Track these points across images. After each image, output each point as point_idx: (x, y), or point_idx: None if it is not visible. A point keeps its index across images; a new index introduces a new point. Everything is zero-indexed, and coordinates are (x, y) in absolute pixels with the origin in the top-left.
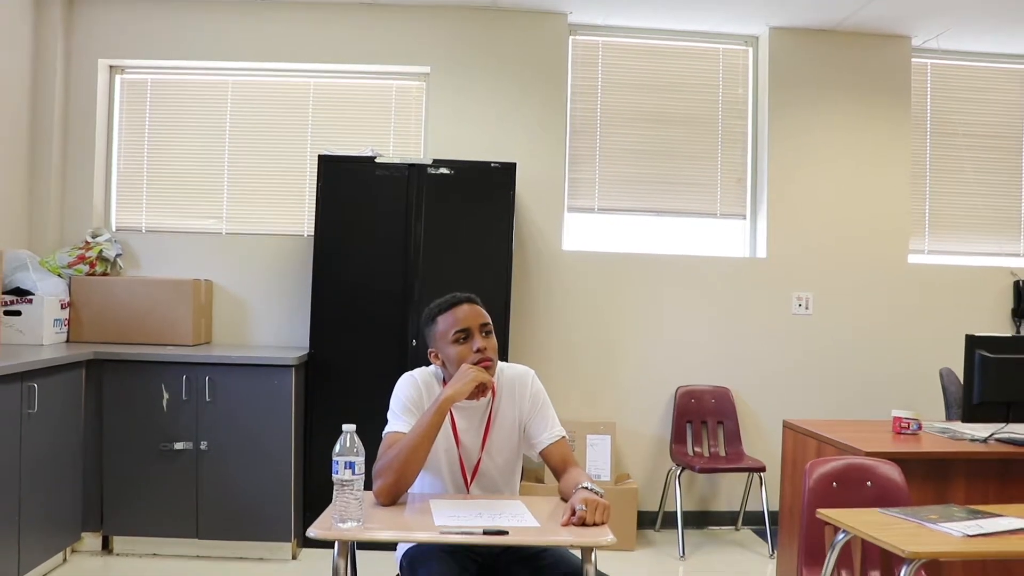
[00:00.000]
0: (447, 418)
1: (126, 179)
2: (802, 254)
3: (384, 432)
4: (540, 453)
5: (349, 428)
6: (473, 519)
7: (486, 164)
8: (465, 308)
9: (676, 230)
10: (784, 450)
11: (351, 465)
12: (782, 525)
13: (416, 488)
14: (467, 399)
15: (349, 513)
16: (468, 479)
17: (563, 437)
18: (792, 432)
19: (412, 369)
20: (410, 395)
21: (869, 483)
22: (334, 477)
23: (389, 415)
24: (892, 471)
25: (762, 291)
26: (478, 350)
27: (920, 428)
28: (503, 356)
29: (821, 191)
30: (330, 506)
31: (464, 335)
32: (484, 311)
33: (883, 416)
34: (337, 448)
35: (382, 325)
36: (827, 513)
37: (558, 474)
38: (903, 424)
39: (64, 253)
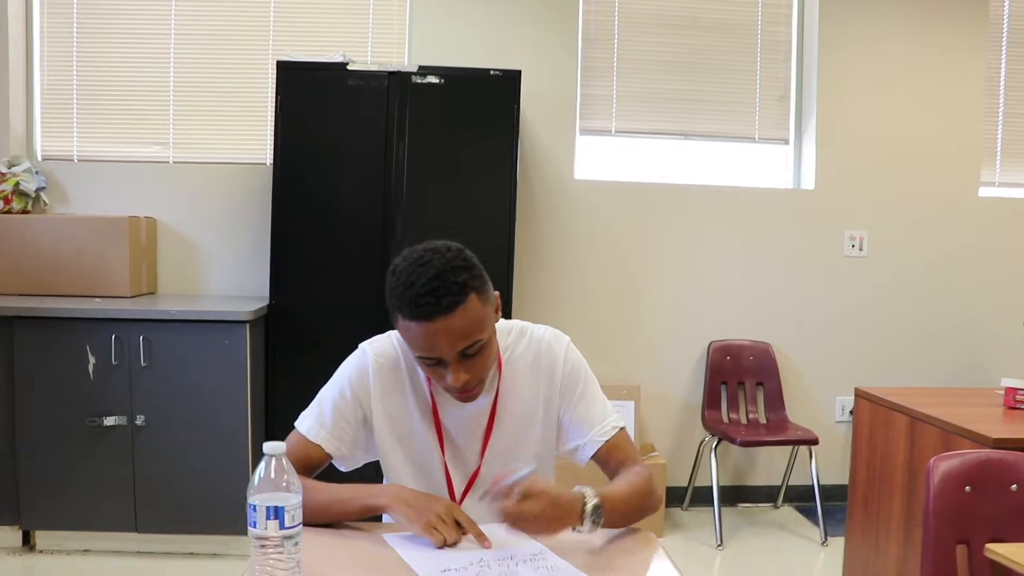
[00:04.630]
0: (429, 413)
1: (52, 99)
2: (855, 186)
3: (296, 423)
4: (592, 459)
5: (273, 450)
6: None
7: (484, 72)
8: (436, 327)
9: (707, 156)
10: (857, 424)
11: (277, 513)
12: (852, 514)
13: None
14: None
15: None
16: (458, 495)
17: (620, 430)
18: (868, 403)
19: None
20: (347, 388)
21: (1014, 486)
22: (250, 531)
23: (311, 407)
24: None
25: (808, 229)
26: (456, 384)
27: None
28: (506, 310)
29: (878, 112)
30: (247, 569)
31: (434, 361)
32: (472, 316)
33: (952, 377)
34: (255, 481)
35: (357, 270)
36: (1001, 551)
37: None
38: (1018, 397)
39: None
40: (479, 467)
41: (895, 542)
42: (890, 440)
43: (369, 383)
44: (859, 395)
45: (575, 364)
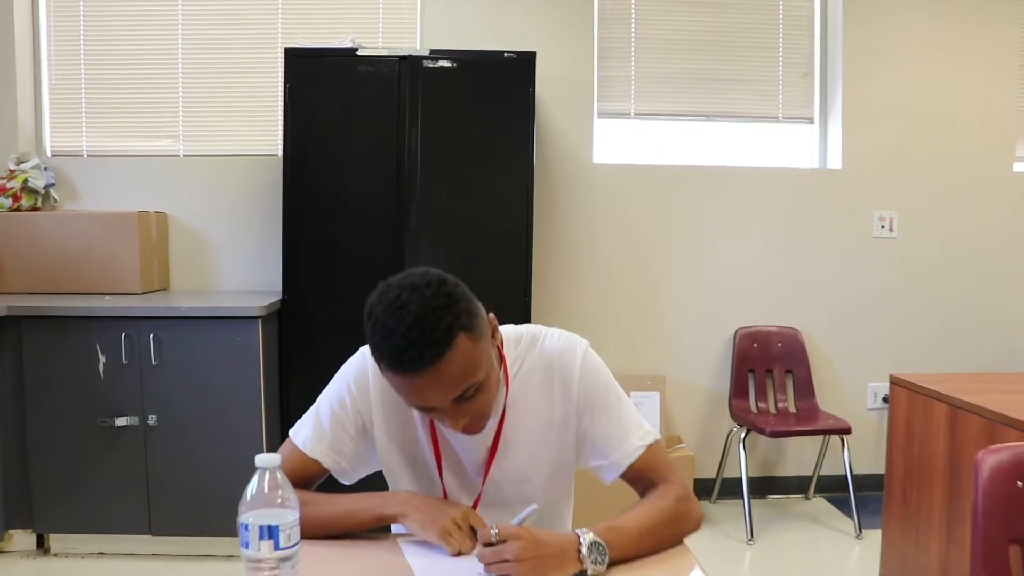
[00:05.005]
0: (426, 424)
1: (60, 94)
2: (884, 164)
3: (291, 432)
4: (621, 477)
5: (267, 463)
6: None
7: (498, 55)
8: (422, 381)
9: (729, 137)
10: (893, 413)
11: (271, 533)
12: (889, 507)
13: None
14: None
15: None
16: None
17: (649, 447)
18: (905, 391)
19: None
20: (346, 395)
21: None
22: (242, 552)
23: (307, 414)
24: None
25: (836, 209)
26: (455, 428)
27: None
28: (525, 301)
29: (907, 86)
30: None
31: (428, 408)
32: (462, 361)
33: (990, 362)
34: (246, 496)
35: (371, 261)
36: None
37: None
38: None
39: None
40: (481, 493)
41: (936, 538)
42: (929, 430)
43: (369, 390)
44: (894, 382)
45: (593, 374)
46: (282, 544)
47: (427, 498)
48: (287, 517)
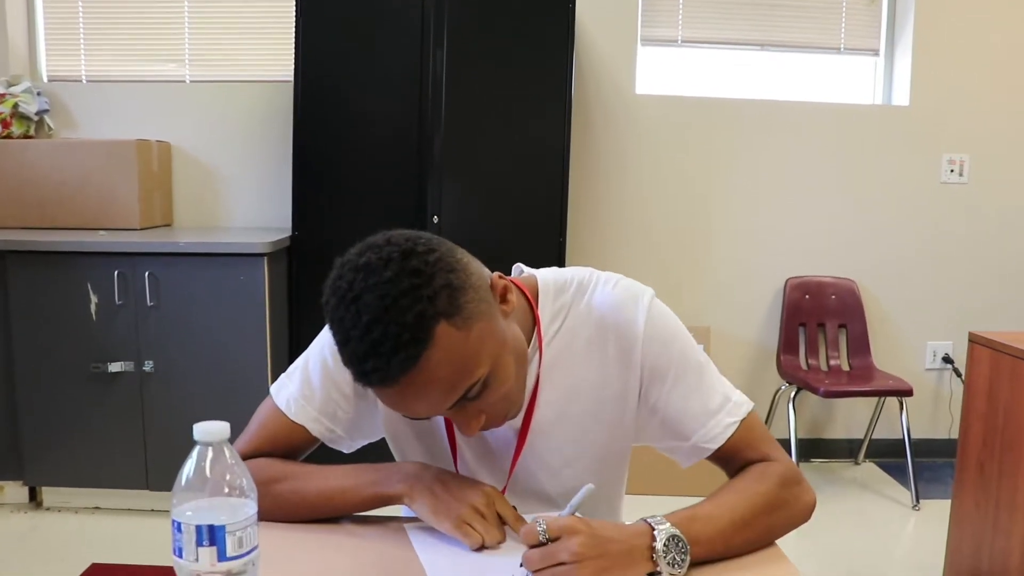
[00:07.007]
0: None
1: (57, 12)
2: (956, 102)
3: (272, 388)
4: (708, 459)
5: (208, 436)
6: None
7: None
8: (398, 393)
9: (786, 69)
10: (971, 375)
11: (213, 536)
12: (962, 479)
13: None
14: None
15: None
16: None
17: (739, 424)
18: (988, 351)
19: None
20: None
21: None
22: (174, 562)
23: (294, 366)
24: None
25: (901, 151)
26: (470, 435)
27: None
28: (559, 245)
29: (988, 17)
30: None
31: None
32: (449, 360)
33: None
34: (181, 481)
35: (390, 196)
36: None
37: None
38: None
39: None
40: (506, 484)
41: (1022, 521)
42: (1018, 396)
43: None
44: (975, 340)
45: (662, 334)
46: (230, 552)
47: (442, 475)
48: (239, 513)
